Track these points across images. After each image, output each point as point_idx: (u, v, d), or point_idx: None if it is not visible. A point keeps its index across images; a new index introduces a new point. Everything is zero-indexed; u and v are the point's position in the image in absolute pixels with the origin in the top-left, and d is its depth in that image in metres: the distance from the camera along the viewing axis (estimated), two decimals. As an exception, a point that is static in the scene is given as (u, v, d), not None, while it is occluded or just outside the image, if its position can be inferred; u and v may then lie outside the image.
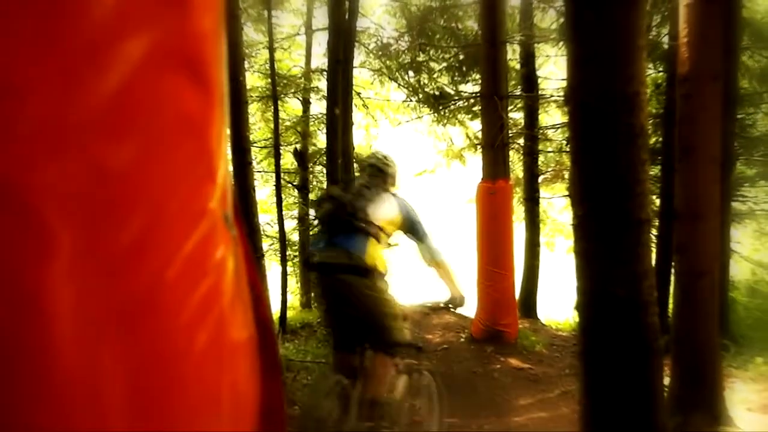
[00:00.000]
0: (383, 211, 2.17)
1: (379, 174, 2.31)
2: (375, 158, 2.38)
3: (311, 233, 8.93)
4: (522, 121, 7.82)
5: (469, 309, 4.51)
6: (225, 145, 0.58)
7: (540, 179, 7.82)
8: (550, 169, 8.02)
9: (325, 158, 7.33)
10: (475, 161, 8.11)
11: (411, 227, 2.26)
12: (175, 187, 0.50)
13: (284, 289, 6.49)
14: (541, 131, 7.74)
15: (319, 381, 2.82)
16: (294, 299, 8.76)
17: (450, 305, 2.32)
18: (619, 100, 1.68)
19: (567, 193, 7.67)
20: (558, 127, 7.75)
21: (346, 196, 2.14)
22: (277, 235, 7.24)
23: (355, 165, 6.51)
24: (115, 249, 0.45)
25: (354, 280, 2.01)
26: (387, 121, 9.30)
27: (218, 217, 0.55)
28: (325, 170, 7.93)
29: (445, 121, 8.17)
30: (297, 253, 8.93)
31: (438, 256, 2.27)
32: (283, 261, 6.55)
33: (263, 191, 9.41)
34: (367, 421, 2.02)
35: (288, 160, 9.29)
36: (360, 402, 2.02)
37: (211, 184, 0.54)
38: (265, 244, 8.05)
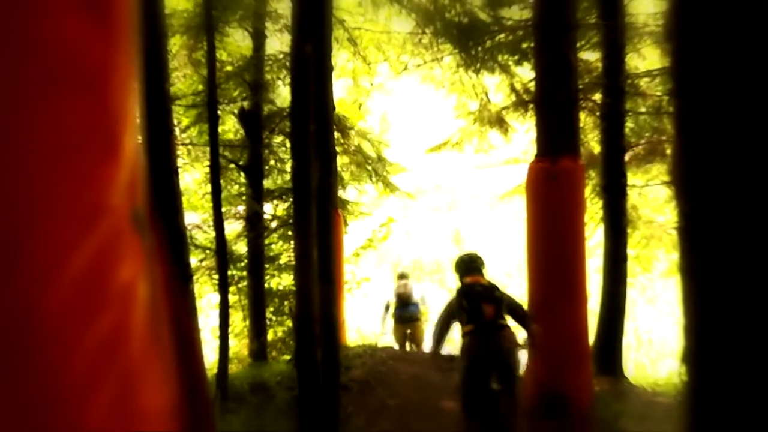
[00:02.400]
0: None
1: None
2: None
3: (267, 242, 8.93)
4: (599, 65, 7.84)
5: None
6: (134, 104, 0.59)
7: (627, 157, 7.84)
8: (642, 141, 8.05)
9: (288, 123, 7.32)
10: (525, 129, 8.15)
11: None
12: (57, 170, 0.50)
13: (224, 331, 6.49)
14: (630, 81, 7.75)
15: None
16: (238, 345, 8.76)
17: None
18: (750, 31, 1.69)
19: (669, 178, 7.68)
20: (655, 75, 7.76)
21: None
22: (214, 245, 7.24)
23: (337, 134, 6.50)
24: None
25: None
26: (386, 65, 9.32)
27: (124, 217, 0.56)
28: (288, 142, 7.92)
29: (478, 65, 8.18)
30: (244, 274, 8.93)
31: None
32: (223, 286, 6.54)
33: (192, 175, 9.42)
34: None
35: (230, 127, 9.29)
36: None
37: (113, 165, 0.55)
38: (195, 258, 8.06)
